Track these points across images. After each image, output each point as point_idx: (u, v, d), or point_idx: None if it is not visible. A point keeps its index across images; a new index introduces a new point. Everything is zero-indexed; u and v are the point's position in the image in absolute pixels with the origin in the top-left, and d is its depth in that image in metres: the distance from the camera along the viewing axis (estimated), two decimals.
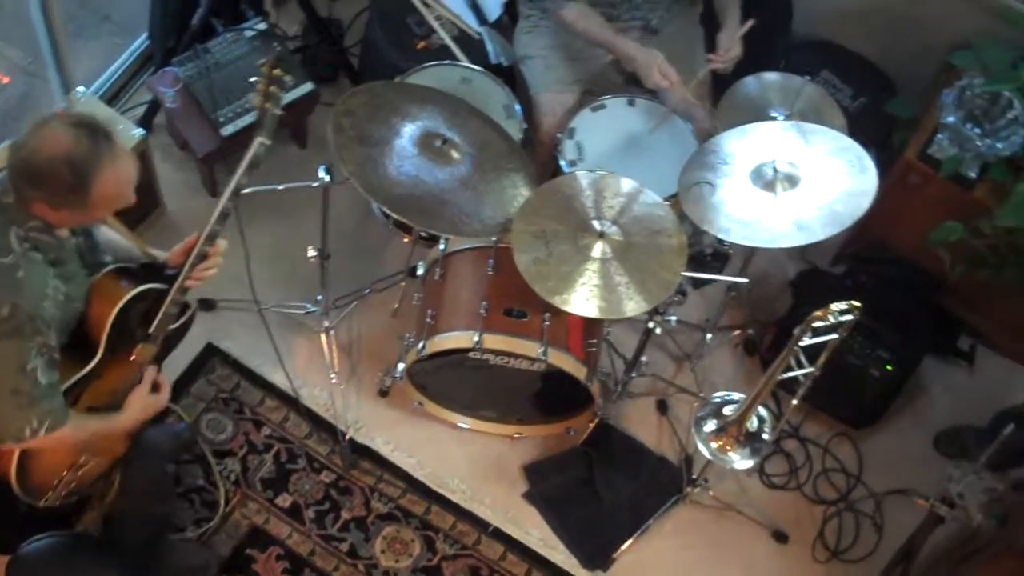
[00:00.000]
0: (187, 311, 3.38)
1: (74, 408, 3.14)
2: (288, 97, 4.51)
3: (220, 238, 3.22)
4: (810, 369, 3.51)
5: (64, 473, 3.36)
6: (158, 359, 3.39)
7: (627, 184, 3.77)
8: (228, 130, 4.45)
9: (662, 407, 4.55)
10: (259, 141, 3.13)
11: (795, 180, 3.74)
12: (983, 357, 4.79)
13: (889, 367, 4.37)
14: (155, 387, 3.41)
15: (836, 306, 3.25)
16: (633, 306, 3.57)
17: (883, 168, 3.86)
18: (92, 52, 5.01)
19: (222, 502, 4.11)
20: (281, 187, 3.71)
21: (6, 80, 4.84)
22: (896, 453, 4.59)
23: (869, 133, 4.31)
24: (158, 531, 3.80)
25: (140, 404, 3.34)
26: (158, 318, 3.19)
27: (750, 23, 4.13)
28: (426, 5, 4.68)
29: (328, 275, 4.16)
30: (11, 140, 2.98)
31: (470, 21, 4.67)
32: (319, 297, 4.31)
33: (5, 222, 2.90)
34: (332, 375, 4.38)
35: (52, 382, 2.99)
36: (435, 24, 4.64)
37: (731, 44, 4.12)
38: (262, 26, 4.70)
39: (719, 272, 4.37)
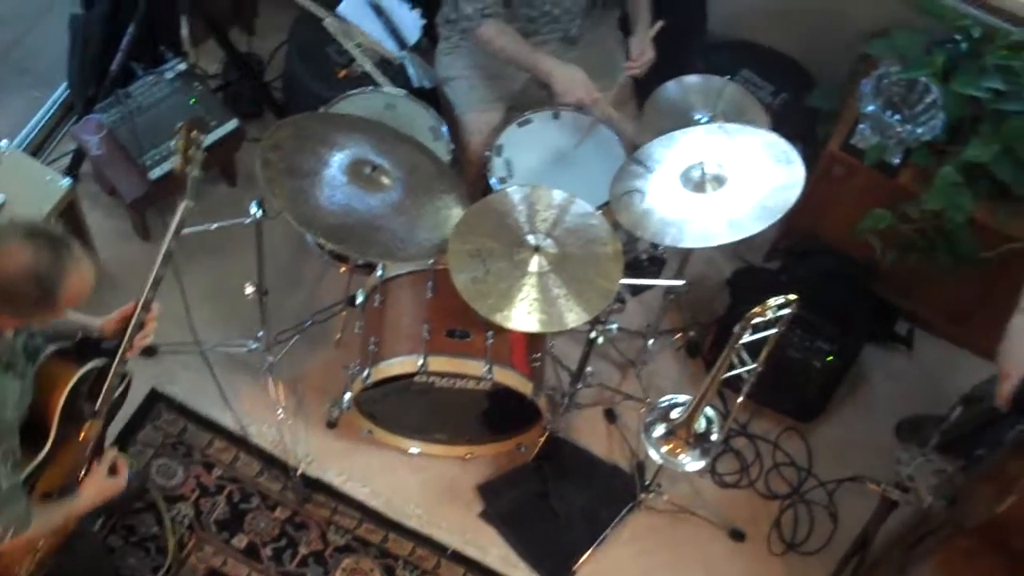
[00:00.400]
0: (126, 379, 3.34)
1: (30, 498, 3.08)
2: (213, 136, 4.53)
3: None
4: (753, 366, 3.54)
5: (24, 563, 3.31)
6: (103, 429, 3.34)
7: (558, 196, 3.78)
8: (156, 173, 4.43)
9: (610, 416, 4.57)
10: (185, 205, 3.11)
11: (723, 180, 3.78)
12: (921, 340, 4.84)
13: (830, 358, 4.42)
14: (113, 469, 3.36)
15: (773, 301, 3.27)
16: (574, 317, 3.59)
17: (809, 161, 3.90)
18: (12, 106, 4.98)
19: (171, 547, 4.07)
20: (214, 226, 3.69)
21: None
22: (844, 443, 4.63)
23: (793, 128, 4.35)
24: None
25: (97, 487, 3.28)
26: (103, 394, 3.15)
27: (659, 24, 4.18)
28: (345, 34, 4.69)
29: (268, 311, 4.14)
30: None
31: (390, 46, 4.69)
32: (260, 333, 4.29)
33: None
34: (279, 411, 4.36)
35: (15, 484, 2.91)
36: (355, 52, 4.65)
37: (643, 48, 4.16)
38: (182, 67, 4.69)
39: (656, 277, 4.39)
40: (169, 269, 3.11)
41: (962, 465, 3.80)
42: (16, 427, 2.92)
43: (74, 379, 3.06)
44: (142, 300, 3.11)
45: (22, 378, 2.96)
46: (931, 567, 3.52)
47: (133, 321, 3.10)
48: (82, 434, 3.19)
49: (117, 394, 3.27)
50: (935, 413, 4.36)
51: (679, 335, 4.77)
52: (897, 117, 4.29)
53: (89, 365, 3.10)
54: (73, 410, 3.10)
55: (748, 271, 4.85)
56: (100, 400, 3.15)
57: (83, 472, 3.27)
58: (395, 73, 4.62)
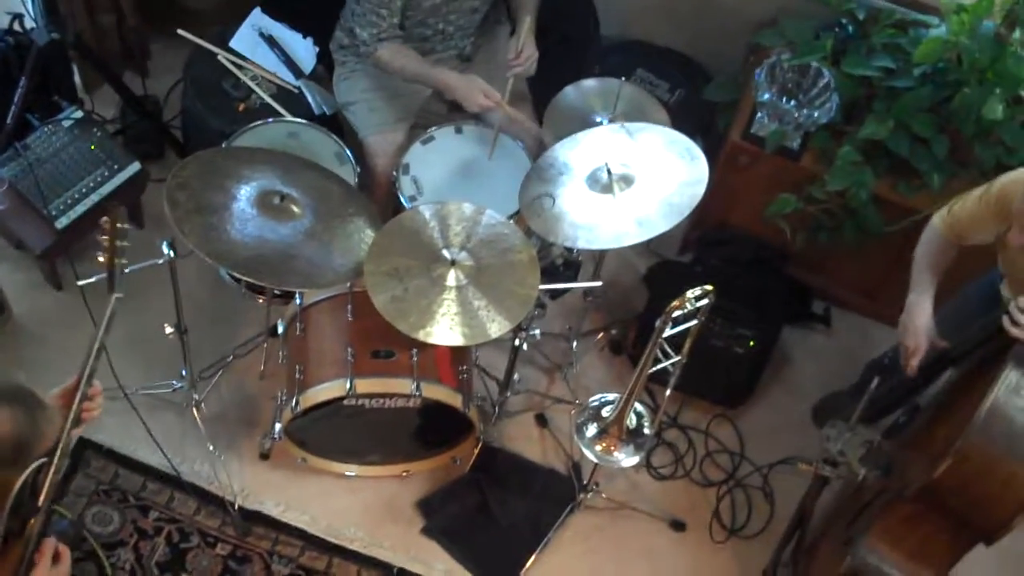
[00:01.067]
0: (62, 469, 3.28)
1: None
2: (117, 181, 4.49)
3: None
4: (677, 358, 3.60)
5: None
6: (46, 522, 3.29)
7: (468, 209, 3.81)
8: (63, 222, 4.39)
9: (541, 420, 4.60)
10: (115, 297, 3.10)
11: (631, 179, 3.83)
12: (838, 318, 4.94)
13: (752, 343, 4.48)
14: (56, 557, 3.31)
15: (691, 293, 3.33)
16: (497, 327, 3.61)
17: (712, 153, 3.97)
18: None
19: None
20: (127, 270, 3.67)
21: None
22: (773, 424, 4.71)
23: (692, 122, 4.44)
24: None
25: None
26: (45, 489, 3.10)
27: (528, 19, 4.21)
28: (239, 67, 4.69)
29: (189, 349, 4.13)
30: None
31: (286, 76, 4.70)
32: (183, 372, 4.28)
33: None
34: (210, 447, 4.34)
35: None
36: (252, 84, 4.65)
37: (522, 44, 4.19)
38: (78, 114, 4.64)
39: (572, 280, 4.44)
40: (85, 316, 3.08)
41: (885, 432, 3.90)
42: None
43: (19, 482, 3.01)
44: (76, 403, 3.06)
45: None
46: (874, 536, 3.58)
47: (70, 418, 3.05)
48: (26, 532, 3.14)
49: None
50: (842, 388, 4.47)
51: (601, 335, 4.81)
52: (793, 103, 4.37)
53: (33, 465, 3.05)
54: (18, 510, 3.06)
55: (663, 266, 4.91)
56: (43, 495, 3.10)
57: (25, 567, 3.23)
58: (294, 103, 4.63)
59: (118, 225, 3.18)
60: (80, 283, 3.55)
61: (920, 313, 3.62)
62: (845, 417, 3.87)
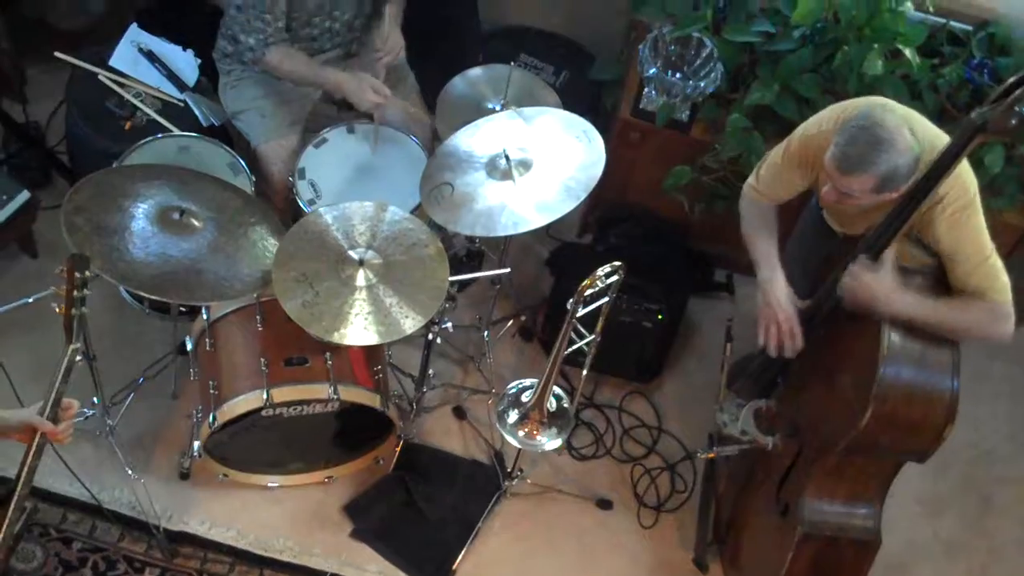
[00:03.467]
0: (24, 512, 3.23)
1: None
2: (6, 212, 4.40)
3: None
4: (592, 337, 3.63)
5: None
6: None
7: (370, 207, 3.81)
8: None
9: (459, 413, 4.61)
10: (72, 348, 3.05)
11: (528, 164, 3.85)
12: (741, 285, 5.01)
13: (660, 316, 4.52)
14: None
15: (601, 270, 3.36)
16: (411, 323, 3.61)
17: (603, 132, 3.99)
18: None
19: None
20: (31, 299, 3.60)
21: None
22: (686, 395, 4.78)
23: (580, 103, 4.46)
24: None
25: None
26: (2, 534, 3.04)
27: (391, 7, 4.22)
28: (121, 85, 4.62)
29: (99, 375, 4.06)
30: None
31: (170, 91, 4.63)
32: (95, 400, 4.20)
33: None
34: (128, 472, 4.27)
35: None
36: (136, 101, 4.58)
37: (386, 34, 4.21)
38: None
39: (476, 270, 4.45)
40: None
41: (762, 393, 3.97)
42: None
43: None
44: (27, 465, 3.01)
45: None
46: (812, 496, 3.66)
47: (28, 460, 3.00)
48: None
49: (17, 529, 3.16)
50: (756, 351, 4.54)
51: (511, 322, 4.83)
52: (678, 75, 4.44)
53: None
54: None
55: (565, 248, 4.94)
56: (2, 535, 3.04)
57: None
58: (181, 116, 4.57)
59: (76, 274, 3.10)
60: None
61: (778, 287, 3.69)
62: (739, 391, 3.97)
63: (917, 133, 3.23)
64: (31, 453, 3.00)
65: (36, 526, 4.18)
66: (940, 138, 3.32)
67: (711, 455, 4.13)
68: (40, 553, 4.14)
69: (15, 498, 3.00)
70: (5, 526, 3.02)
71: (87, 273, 3.12)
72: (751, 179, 3.76)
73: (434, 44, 4.36)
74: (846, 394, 3.49)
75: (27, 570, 4.09)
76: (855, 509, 3.68)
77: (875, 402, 3.32)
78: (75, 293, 3.09)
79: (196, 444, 4.04)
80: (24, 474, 3.00)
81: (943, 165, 3.16)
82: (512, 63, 4.26)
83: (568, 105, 4.17)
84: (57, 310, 3.09)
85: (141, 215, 3.71)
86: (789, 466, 3.79)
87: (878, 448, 3.47)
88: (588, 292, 3.39)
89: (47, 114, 5.13)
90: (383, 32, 4.20)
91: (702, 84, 4.36)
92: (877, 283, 3.34)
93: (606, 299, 3.51)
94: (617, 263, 3.39)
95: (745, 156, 4.29)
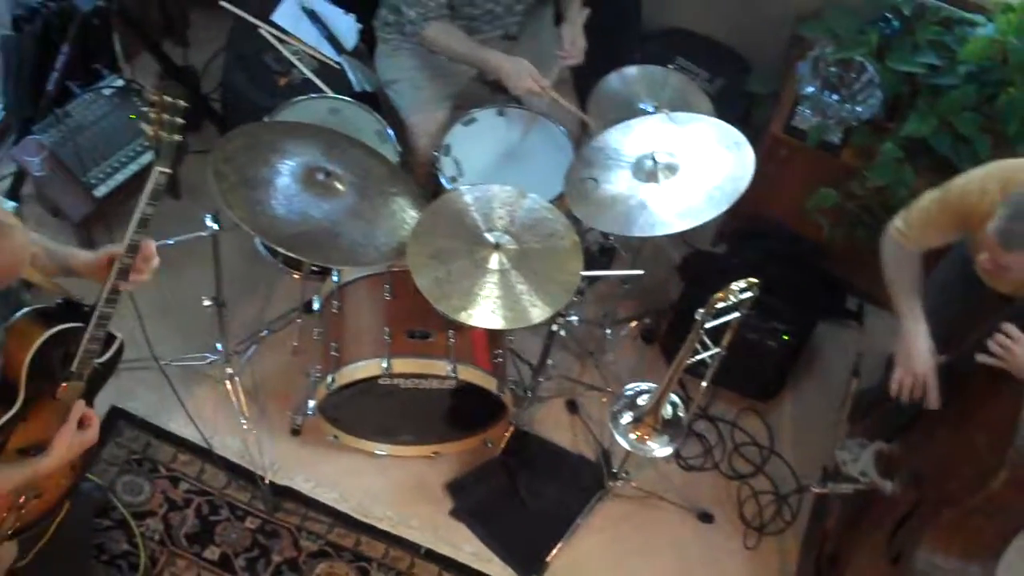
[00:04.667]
0: (113, 343, 3.28)
1: (2, 453, 3.05)
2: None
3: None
4: (716, 350, 3.60)
5: (4, 515, 3.26)
6: (91, 393, 3.29)
7: (511, 192, 3.81)
8: (101, 191, 4.41)
9: (572, 407, 4.60)
10: (158, 171, 3.01)
11: (675, 168, 3.82)
12: (871, 315, 4.92)
13: (786, 337, 4.47)
14: (84, 423, 3.31)
15: (736, 285, 3.33)
16: (538, 312, 3.61)
17: (750, 145, 3.95)
18: None
19: (143, 563, 4.06)
20: (172, 241, 3.67)
21: None
22: (801, 419, 4.71)
23: (731, 112, 4.41)
24: None
25: (66, 443, 3.23)
26: (78, 356, 3.11)
27: (586, 11, 4.22)
28: (282, 41, 4.68)
29: (225, 322, 4.13)
30: None
31: (328, 52, 4.69)
32: (218, 346, 4.28)
33: None
34: (242, 421, 4.34)
35: None
36: (293, 59, 4.64)
37: (574, 36, 4.20)
38: (119, 82, 4.65)
39: (607, 267, 4.43)
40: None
41: (890, 440, 3.88)
42: None
43: (40, 340, 3.01)
44: (124, 251, 3.05)
45: None
46: (928, 548, 3.55)
47: (111, 276, 3.05)
48: (58, 394, 3.15)
49: (106, 358, 3.21)
50: (875, 384, 4.46)
51: (635, 323, 4.80)
52: (836, 97, 4.38)
53: (60, 327, 3.05)
54: (46, 369, 3.06)
55: (698, 256, 4.89)
56: (76, 362, 3.11)
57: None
58: (335, 79, 4.62)
59: (166, 98, 3.13)
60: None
61: (920, 340, 3.60)
62: (864, 431, 3.89)
63: None
64: (111, 276, 3.02)
65: (147, 461, 4.27)
66: None
67: (825, 491, 4.06)
68: (148, 488, 4.23)
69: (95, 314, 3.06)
70: (81, 351, 3.09)
71: (179, 101, 3.13)
72: (898, 222, 3.66)
73: (594, 37, 4.34)
74: (979, 453, 3.39)
75: (133, 503, 4.19)
76: (969, 567, 3.59)
77: (1011, 466, 3.21)
78: (164, 116, 3.11)
79: (311, 403, 4.09)
80: (104, 295, 3.04)
81: None
82: (669, 66, 4.23)
83: (720, 113, 4.13)
84: (149, 131, 3.11)
85: (287, 172, 3.75)
86: (905, 514, 3.71)
87: (1005, 511, 3.38)
88: (720, 305, 3.36)
89: (205, 60, 5.23)
90: (571, 32, 4.21)
91: (859, 109, 4.30)
92: None
93: (737, 314, 3.47)
94: (753, 279, 3.36)
95: (893, 187, 4.22)
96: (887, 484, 3.74)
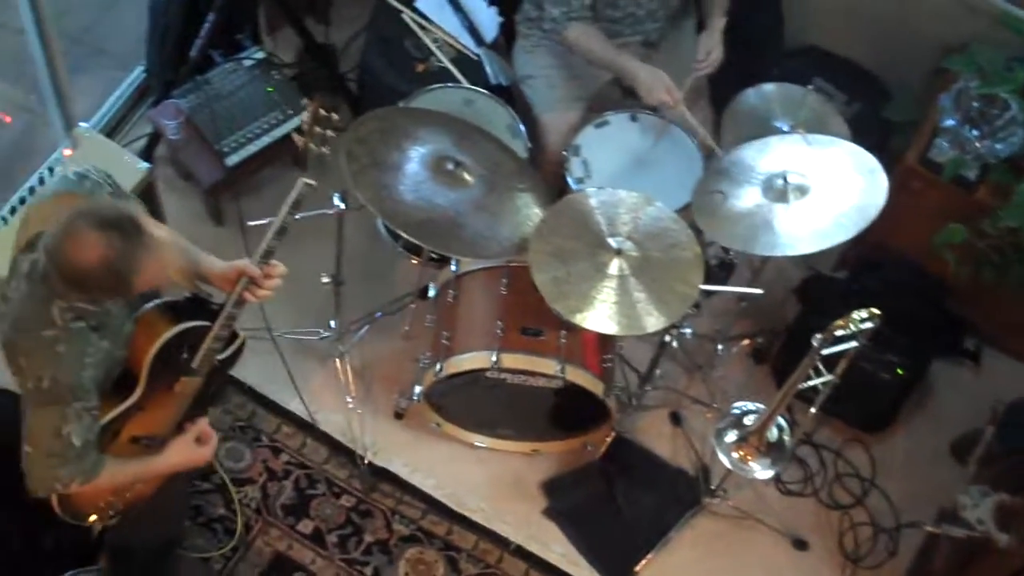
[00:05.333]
0: (235, 340, 3.32)
1: (116, 440, 3.12)
2: (290, 125, 4.54)
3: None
4: (829, 377, 3.55)
5: (109, 499, 3.34)
6: (207, 390, 3.36)
7: (636, 198, 3.80)
8: (233, 160, 4.48)
9: (675, 419, 4.57)
10: (303, 182, 3.09)
11: (805, 190, 3.79)
12: (989, 357, 4.80)
13: (900, 371, 4.39)
14: (202, 439, 3.37)
15: (857, 314, 3.28)
16: (654, 322, 3.60)
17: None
18: (88, 86, 4.99)
19: (240, 528, 4.13)
20: (298, 216, 3.70)
21: (8, 120, 4.84)
22: (908, 455, 4.62)
23: (866, 138, 4.35)
24: (166, 552, 3.80)
25: (182, 452, 3.29)
26: (200, 353, 3.16)
27: (723, 21, 4.20)
28: (423, 28, 4.71)
29: (341, 300, 4.17)
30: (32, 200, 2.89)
31: (467, 43, 4.70)
32: (332, 323, 4.32)
33: (47, 295, 2.83)
34: (348, 399, 4.39)
35: (87, 441, 2.95)
36: (433, 47, 4.67)
37: (711, 47, 4.18)
38: (260, 55, 4.72)
39: (725, 282, 4.39)
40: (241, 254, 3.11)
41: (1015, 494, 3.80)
42: (95, 387, 2.95)
43: (166, 336, 3.06)
44: (257, 258, 3.12)
45: (114, 337, 2.99)
46: None
47: (237, 289, 3.10)
48: (176, 387, 3.20)
49: (226, 355, 3.28)
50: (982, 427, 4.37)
51: (747, 341, 4.76)
52: (976, 132, 4.29)
53: (185, 325, 3.10)
54: (168, 362, 3.11)
55: (818, 280, 4.81)
56: (198, 359, 3.16)
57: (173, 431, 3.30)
58: (472, 70, 4.63)
59: (321, 112, 3.16)
60: (250, 223, 3.61)
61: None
62: (983, 478, 3.82)
63: None
64: (240, 286, 3.09)
65: (251, 429, 4.34)
66: None
67: (938, 531, 3.98)
68: (249, 456, 4.30)
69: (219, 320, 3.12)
70: (204, 349, 3.14)
71: (333, 116, 3.16)
72: None
73: (735, 50, 4.30)
74: None
75: (234, 468, 4.25)
76: None
77: None
78: (316, 128, 3.14)
79: (417, 388, 4.12)
80: (228, 305, 3.11)
81: None
82: (808, 86, 4.18)
83: (854, 138, 4.08)
84: (299, 142, 3.14)
85: (417, 159, 3.78)
86: (1018, 569, 3.62)
87: None
88: (839, 332, 3.31)
89: (344, 40, 5.26)
90: (708, 42, 4.18)
91: (999, 146, 4.21)
92: None
93: (855, 343, 3.42)
94: (875, 310, 3.30)
95: None
96: (1003, 537, 3.66)
